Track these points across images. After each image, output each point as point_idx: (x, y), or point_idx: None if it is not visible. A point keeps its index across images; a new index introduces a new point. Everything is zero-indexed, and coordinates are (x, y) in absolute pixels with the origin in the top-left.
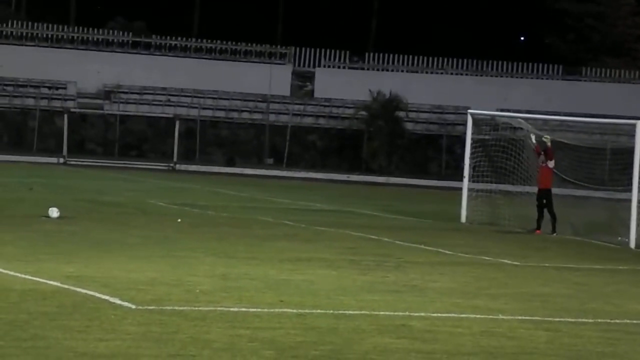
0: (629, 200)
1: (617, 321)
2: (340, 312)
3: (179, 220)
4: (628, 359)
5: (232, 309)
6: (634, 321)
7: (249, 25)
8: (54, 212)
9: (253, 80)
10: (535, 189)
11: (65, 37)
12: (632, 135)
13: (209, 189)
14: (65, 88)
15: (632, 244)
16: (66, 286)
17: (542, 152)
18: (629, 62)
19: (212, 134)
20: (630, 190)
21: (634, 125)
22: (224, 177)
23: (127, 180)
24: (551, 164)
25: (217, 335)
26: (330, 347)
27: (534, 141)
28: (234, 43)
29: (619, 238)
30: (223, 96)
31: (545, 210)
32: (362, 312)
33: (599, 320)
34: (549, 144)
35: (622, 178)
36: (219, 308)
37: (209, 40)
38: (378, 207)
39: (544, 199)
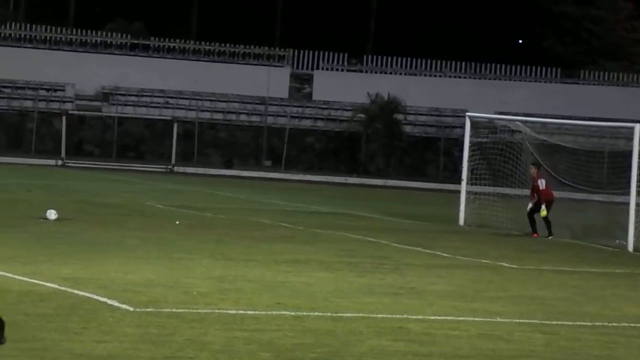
0: (627, 204)
1: (615, 324)
2: (338, 314)
3: (177, 222)
4: None
5: (229, 311)
6: (632, 324)
7: (247, 27)
8: (51, 214)
9: (251, 82)
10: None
11: (63, 39)
12: (630, 139)
13: (206, 191)
14: (63, 90)
15: (630, 247)
16: (63, 288)
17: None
18: (626, 65)
19: (210, 136)
20: (628, 194)
21: (632, 129)
22: (222, 179)
23: (125, 182)
24: (541, 183)
25: (215, 337)
26: (328, 349)
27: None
28: (232, 45)
29: (617, 241)
30: (221, 98)
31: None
32: (360, 314)
33: (597, 324)
34: (533, 173)
35: (620, 181)
36: (216, 310)
37: (207, 42)
38: (376, 210)
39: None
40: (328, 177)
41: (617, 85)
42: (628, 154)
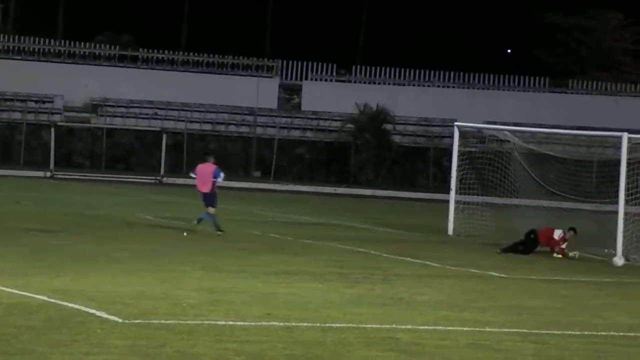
0: (616, 213)
1: (604, 334)
2: (328, 325)
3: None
4: None
5: (219, 323)
6: (622, 333)
7: (236, 38)
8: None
9: (240, 93)
10: (523, 202)
11: (52, 50)
12: (619, 148)
13: (196, 203)
14: (52, 102)
15: (619, 256)
16: (53, 300)
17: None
18: (615, 75)
19: (200, 147)
20: (617, 203)
21: (620, 138)
22: None
23: (115, 194)
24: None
25: (204, 348)
26: None
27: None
28: (221, 56)
29: (606, 250)
30: (210, 109)
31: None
32: (349, 325)
33: (586, 333)
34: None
35: (609, 190)
36: (206, 322)
37: (197, 54)
38: (365, 220)
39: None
40: (318, 187)
41: (606, 95)
42: (616, 163)
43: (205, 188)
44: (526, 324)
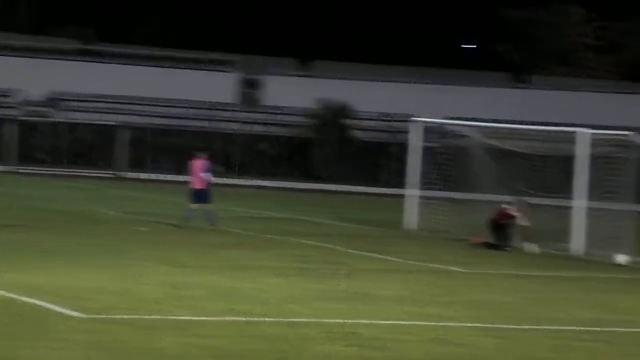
0: (577, 208)
1: (566, 328)
2: (290, 320)
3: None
4: None
5: (182, 318)
6: (584, 328)
7: (197, 33)
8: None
9: (201, 88)
10: (484, 197)
11: (12, 44)
12: (580, 143)
13: (159, 198)
14: (11, 96)
15: (581, 251)
16: (14, 295)
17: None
18: (578, 70)
19: (162, 142)
20: (578, 198)
21: (582, 133)
22: (175, 185)
23: (77, 189)
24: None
25: (168, 344)
26: (280, 355)
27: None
28: (182, 51)
29: (567, 245)
30: (172, 104)
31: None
32: (312, 320)
33: (548, 327)
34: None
35: (570, 185)
36: (169, 317)
37: (158, 48)
38: (328, 215)
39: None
40: (281, 182)
41: (567, 90)
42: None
43: (199, 184)
44: (488, 318)
